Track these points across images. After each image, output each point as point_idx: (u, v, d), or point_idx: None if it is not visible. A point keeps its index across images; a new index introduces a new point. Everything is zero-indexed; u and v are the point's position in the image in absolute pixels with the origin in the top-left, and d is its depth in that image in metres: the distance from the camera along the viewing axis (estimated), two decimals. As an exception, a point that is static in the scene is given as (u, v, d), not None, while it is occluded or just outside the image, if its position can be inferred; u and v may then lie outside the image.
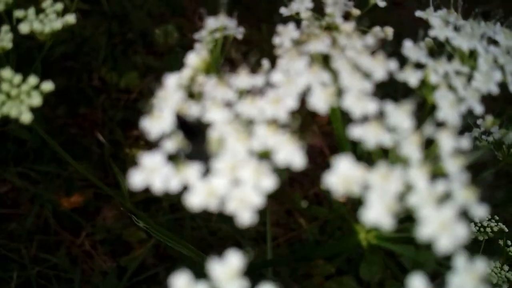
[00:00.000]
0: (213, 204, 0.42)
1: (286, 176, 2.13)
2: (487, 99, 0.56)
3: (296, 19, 0.67)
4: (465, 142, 0.44)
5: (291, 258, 0.85)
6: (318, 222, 2.10)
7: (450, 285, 0.38)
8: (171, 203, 2.12)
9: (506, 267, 0.93)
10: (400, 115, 0.44)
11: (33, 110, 0.60)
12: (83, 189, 2.11)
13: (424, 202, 0.40)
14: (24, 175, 2.09)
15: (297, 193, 2.12)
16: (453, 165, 0.42)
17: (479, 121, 0.77)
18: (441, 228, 0.38)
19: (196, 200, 0.42)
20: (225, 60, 0.59)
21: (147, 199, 2.14)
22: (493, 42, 0.64)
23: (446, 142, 0.43)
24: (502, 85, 0.57)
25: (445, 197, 0.41)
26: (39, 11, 0.69)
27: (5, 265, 1.85)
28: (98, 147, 2.19)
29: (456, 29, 0.63)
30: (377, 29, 0.66)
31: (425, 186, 0.41)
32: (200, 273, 0.41)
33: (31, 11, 0.68)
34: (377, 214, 0.40)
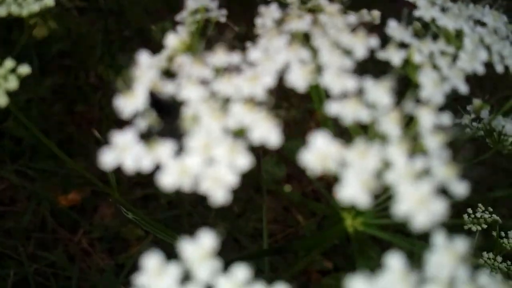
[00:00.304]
0: (187, 183, 0.40)
1: (284, 172, 2.12)
2: (478, 81, 0.55)
3: (282, 3, 0.65)
4: (446, 118, 0.42)
5: (280, 251, 0.84)
6: (315, 218, 2.10)
7: (428, 264, 0.37)
8: (169, 200, 2.12)
9: (499, 258, 0.92)
10: (380, 91, 0.43)
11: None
12: (81, 187, 2.11)
13: (402, 179, 0.38)
14: (21, 172, 2.08)
15: (295, 190, 2.12)
16: (433, 142, 0.41)
17: (469, 107, 0.76)
18: (418, 204, 0.37)
19: (168, 180, 0.40)
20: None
21: (145, 197, 2.14)
22: (481, 24, 0.63)
23: (427, 118, 0.42)
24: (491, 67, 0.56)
25: (424, 174, 0.39)
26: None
27: (2, 262, 1.85)
28: (95, 145, 2.18)
29: (443, 10, 0.62)
30: (364, 11, 0.65)
31: (404, 163, 0.39)
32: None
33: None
34: (354, 191, 0.38)
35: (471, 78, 0.53)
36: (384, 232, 0.53)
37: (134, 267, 1.85)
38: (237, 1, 2.87)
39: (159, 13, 2.74)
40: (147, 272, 0.39)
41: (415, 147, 0.41)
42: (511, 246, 0.95)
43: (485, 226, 0.95)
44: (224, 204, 0.40)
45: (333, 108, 0.42)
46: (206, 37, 0.58)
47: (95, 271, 1.92)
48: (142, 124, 0.44)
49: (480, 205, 0.98)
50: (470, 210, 0.97)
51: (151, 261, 0.39)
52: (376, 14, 0.65)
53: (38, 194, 2.05)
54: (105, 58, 2.41)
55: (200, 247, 0.38)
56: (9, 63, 0.58)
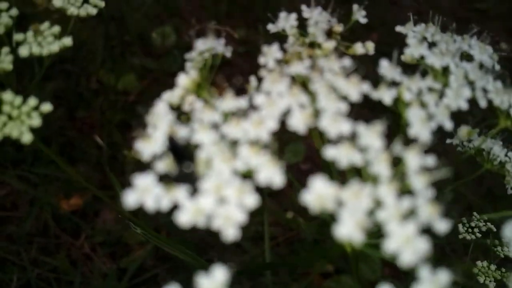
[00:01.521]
0: (201, 221, 0.47)
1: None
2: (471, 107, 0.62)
3: (283, 35, 0.72)
4: (431, 160, 0.49)
5: (281, 265, 0.90)
6: (316, 221, 2.14)
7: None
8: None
9: (493, 267, 0.97)
10: (371, 135, 0.49)
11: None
12: (82, 192, 2.14)
13: (391, 218, 0.45)
14: (23, 177, 2.11)
15: (294, 193, 2.15)
16: (418, 182, 0.47)
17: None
18: (405, 242, 0.43)
19: (185, 218, 0.47)
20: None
21: None
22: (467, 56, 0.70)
23: (413, 160, 0.48)
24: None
25: (410, 213, 0.46)
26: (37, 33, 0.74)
27: (5, 267, 1.88)
28: (97, 150, 2.22)
29: (432, 44, 0.68)
30: (358, 45, 0.71)
31: (393, 202, 0.46)
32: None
33: (30, 34, 0.74)
34: (349, 229, 0.45)
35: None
36: (378, 251, 0.60)
37: (137, 272, 1.88)
38: (238, 5, 2.92)
39: (159, 18, 2.78)
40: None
41: (403, 187, 0.48)
42: (505, 254, 1.00)
43: (479, 235, 1.00)
44: (235, 240, 0.46)
45: (330, 153, 0.49)
46: (215, 73, 0.64)
47: (97, 276, 1.95)
48: (161, 167, 0.50)
49: (475, 213, 1.03)
50: (464, 220, 1.02)
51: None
52: (370, 46, 0.72)
53: (40, 199, 2.07)
54: (106, 63, 2.44)
55: (213, 281, 0.45)
56: (32, 101, 0.64)
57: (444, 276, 0.43)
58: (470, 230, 1.02)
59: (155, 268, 1.97)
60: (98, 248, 2.06)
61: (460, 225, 1.02)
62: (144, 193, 0.48)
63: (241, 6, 2.89)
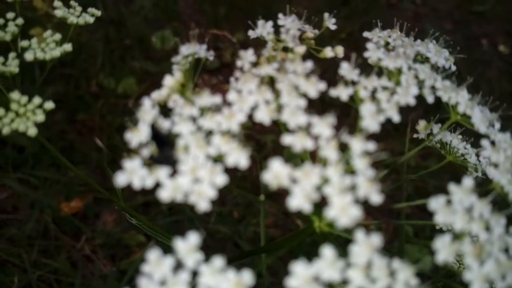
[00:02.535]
0: (179, 197, 0.59)
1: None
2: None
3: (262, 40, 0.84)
4: (371, 146, 0.61)
5: (257, 252, 1.02)
6: (309, 225, 2.21)
7: (352, 254, 0.56)
8: (169, 206, 2.27)
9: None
10: (323, 125, 0.62)
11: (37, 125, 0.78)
12: (83, 194, 2.26)
13: (334, 192, 0.57)
14: (24, 180, 2.24)
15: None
16: (360, 163, 0.60)
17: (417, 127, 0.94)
18: (341, 210, 0.56)
19: (165, 194, 0.60)
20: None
21: (147, 203, 2.27)
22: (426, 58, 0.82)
23: (357, 145, 0.61)
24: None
25: (352, 188, 0.58)
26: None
27: (6, 269, 1.99)
28: (97, 152, 2.33)
29: (392, 48, 0.81)
30: (328, 48, 0.84)
31: (337, 180, 0.58)
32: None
33: (34, 40, 0.87)
34: (299, 201, 0.57)
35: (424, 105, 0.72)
36: (345, 232, 0.72)
37: (136, 273, 1.97)
38: (236, 8, 3.04)
39: (158, 22, 2.90)
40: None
41: (348, 168, 0.60)
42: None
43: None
44: (206, 211, 0.59)
45: (286, 140, 0.61)
46: (198, 74, 0.77)
47: (97, 277, 2.07)
48: (145, 152, 0.63)
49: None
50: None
51: (152, 255, 0.58)
52: (339, 50, 0.84)
53: (40, 201, 2.19)
54: (106, 66, 2.56)
55: (187, 243, 0.57)
56: (36, 100, 0.78)
57: (377, 238, 0.56)
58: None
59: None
60: (98, 250, 2.17)
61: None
62: (132, 174, 0.61)
63: (240, 9, 3.01)
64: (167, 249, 0.60)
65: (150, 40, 2.68)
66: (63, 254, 2.12)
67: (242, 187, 2.25)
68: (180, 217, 2.26)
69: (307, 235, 0.79)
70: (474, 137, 0.90)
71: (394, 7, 3.53)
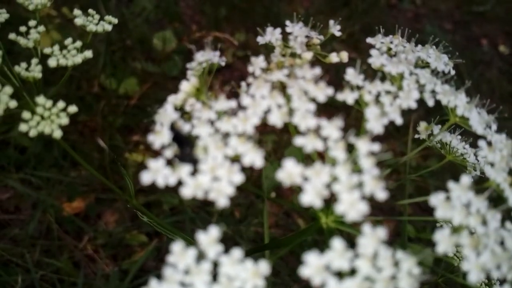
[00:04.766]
0: (200, 194, 0.66)
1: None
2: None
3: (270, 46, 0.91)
4: (376, 147, 0.68)
5: (263, 248, 1.08)
6: (316, 222, 2.27)
7: (359, 245, 0.63)
8: (171, 206, 2.33)
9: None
10: (332, 128, 0.69)
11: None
12: (85, 195, 2.32)
13: (343, 189, 0.64)
14: (26, 181, 2.29)
15: (295, 195, 2.31)
16: (366, 163, 0.67)
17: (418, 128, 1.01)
18: (350, 205, 0.63)
19: (187, 192, 0.67)
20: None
21: (148, 203, 2.33)
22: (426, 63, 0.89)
23: (363, 146, 0.68)
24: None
25: (359, 185, 0.65)
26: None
27: (9, 269, 2.04)
28: (99, 153, 2.39)
29: (395, 54, 0.88)
30: (333, 54, 0.90)
31: (346, 178, 0.65)
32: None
33: (56, 47, 0.94)
34: (311, 197, 0.64)
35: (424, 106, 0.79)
36: (351, 227, 0.79)
37: (138, 273, 2.02)
38: (237, 10, 3.10)
39: (159, 23, 2.96)
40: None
41: (355, 167, 0.67)
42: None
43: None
44: (226, 207, 0.66)
45: (298, 141, 0.68)
46: (212, 78, 0.84)
47: (100, 277, 2.12)
48: (168, 153, 0.70)
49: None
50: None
51: (176, 247, 0.64)
52: (344, 55, 0.91)
53: (43, 202, 2.25)
54: (107, 67, 2.62)
55: (209, 236, 0.64)
56: (60, 104, 0.84)
57: (382, 231, 0.63)
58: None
59: (157, 269, 2.15)
60: (101, 250, 2.23)
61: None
62: (156, 173, 0.68)
63: (241, 11, 3.07)
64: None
65: (152, 41, 2.73)
66: (66, 254, 2.18)
67: (244, 187, 2.29)
68: (181, 217, 2.32)
69: (314, 231, 0.86)
70: (472, 138, 0.97)
71: (394, 7, 3.59)
